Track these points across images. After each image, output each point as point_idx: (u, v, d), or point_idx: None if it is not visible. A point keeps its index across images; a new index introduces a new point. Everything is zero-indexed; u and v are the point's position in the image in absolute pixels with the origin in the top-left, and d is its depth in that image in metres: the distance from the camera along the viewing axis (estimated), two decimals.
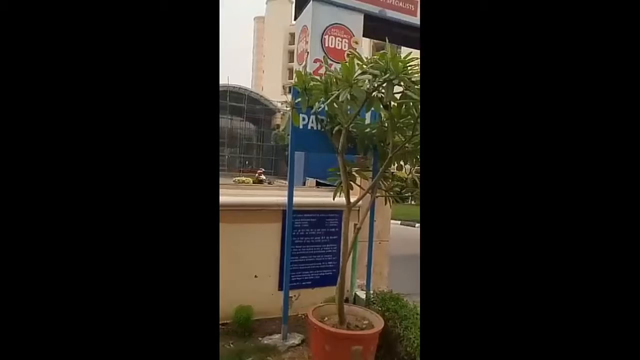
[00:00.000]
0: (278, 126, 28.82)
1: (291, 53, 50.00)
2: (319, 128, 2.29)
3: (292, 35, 49.49)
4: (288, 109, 2.04)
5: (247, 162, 31.04)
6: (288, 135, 2.39)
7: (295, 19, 3.97)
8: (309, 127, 2.27)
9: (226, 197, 2.62)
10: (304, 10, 3.78)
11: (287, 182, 2.43)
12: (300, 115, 2.15)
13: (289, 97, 2.83)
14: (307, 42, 3.46)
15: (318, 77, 1.87)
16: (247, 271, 2.66)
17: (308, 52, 3.31)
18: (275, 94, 39.45)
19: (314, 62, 3.46)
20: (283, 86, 48.06)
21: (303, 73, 1.81)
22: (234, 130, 30.96)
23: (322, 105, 1.77)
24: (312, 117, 2.25)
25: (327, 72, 1.71)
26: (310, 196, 3.03)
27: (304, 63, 3.80)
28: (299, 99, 1.92)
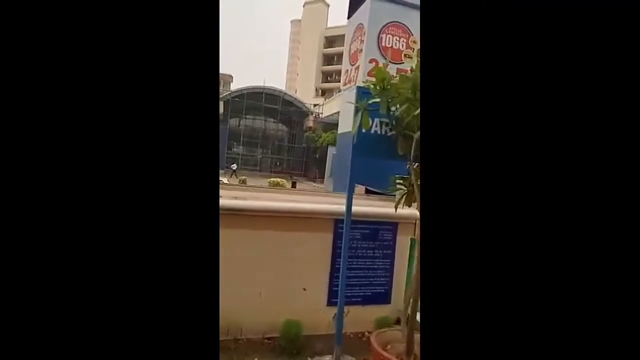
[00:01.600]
0: (310, 128, 28.91)
1: (325, 56, 50.25)
2: (383, 132, 2.09)
3: (327, 38, 49.79)
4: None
5: (277, 163, 31.37)
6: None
7: (348, 18, 3.75)
8: (372, 131, 2.08)
9: (276, 202, 2.48)
10: (360, 8, 3.55)
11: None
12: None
13: (343, 97, 2.65)
14: (362, 41, 3.23)
15: (404, 74, 1.66)
16: (295, 283, 2.49)
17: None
18: (308, 96, 39.71)
19: (368, 62, 3.22)
20: (316, 89, 48.31)
21: (384, 69, 1.61)
22: (267, 131, 31.39)
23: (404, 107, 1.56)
24: (376, 120, 2.06)
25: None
26: (361, 205, 2.83)
27: (357, 63, 3.56)
28: (374, 100, 1.72)
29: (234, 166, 23.82)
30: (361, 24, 3.45)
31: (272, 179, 11.13)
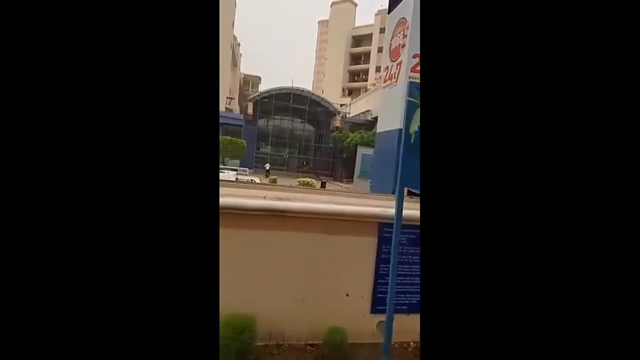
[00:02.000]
0: (337, 128, 28.78)
1: (352, 55, 49.93)
2: None
3: (355, 38, 49.43)
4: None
5: (304, 163, 31.48)
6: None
7: (389, 12, 3.61)
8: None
9: (321, 204, 2.39)
10: (402, 2, 3.39)
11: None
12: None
13: (384, 94, 2.54)
14: (405, 36, 3.06)
15: None
16: (337, 288, 2.40)
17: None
18: (335, 96, 39.61)
19: (412, 57, 3.03)
20: (343, 88, 48.09)
21: None
22: (295, 131, 31.59)
23: None
24: None
25: None
26: (405, 208, 2.69)
27: (398, 59, 3.39)
28: None
29: (268, 165, 24.02)
30: (404, 18, 3.29)
31: (301, 179, 11.08)
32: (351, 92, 45.64)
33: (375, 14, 47.96)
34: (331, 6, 51.47)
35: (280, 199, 2.31)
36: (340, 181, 24.62)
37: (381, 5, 50.83)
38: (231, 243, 2.07)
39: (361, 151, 10.78)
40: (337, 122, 29.42)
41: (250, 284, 2.21)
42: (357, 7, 50.88)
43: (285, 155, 31.61)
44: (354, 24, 50.03)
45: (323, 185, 12.87)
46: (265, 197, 2.28)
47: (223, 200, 2.05)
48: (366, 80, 46.39)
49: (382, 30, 47.44)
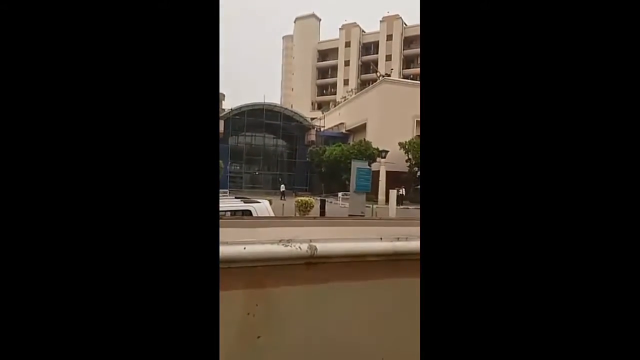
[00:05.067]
0: (312, 142, 28.62)
1: (319, 70, 50.66)
2: None
3: (320, 52, 50.29)
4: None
5: (279, 180, 30.92)
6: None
7: None
8: None
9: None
10: None
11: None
12: None
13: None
14: None
15: None
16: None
17: None
18: (305, 110, 39.66)
19: None
20: (312, 102, 48.43)
21: None
22: (268, 147, 31.09)
23: None
24: None
25: None
26: None
27: None
28: None
29: (283, 187, 22.20)
30: None
31: (299, 199, 10.45)
32: (321, 106, 46.05)
33: (340, 29, 49.18)
34: (295, 21, 52.18)
35: (398, 238, 1.82)
36: (319, 196, 24.25)
37: (345, 20, 52.15)
38: (352, 299, 1.57)
39: (355, 164, 10.43)
40: (312, 136, 29.29)
41: (380, 351, 1.69)
42: (321, 22, 51.96)
43: (255, 172, 30.84)
44: (319, 39, 50.94)
45: (323, 204, 11.86)
46: (381, 239, 1.78)
47: (338, 246, 1.56)
48: (334, 93, 47.08)
49: (347, 44, 48.69)
